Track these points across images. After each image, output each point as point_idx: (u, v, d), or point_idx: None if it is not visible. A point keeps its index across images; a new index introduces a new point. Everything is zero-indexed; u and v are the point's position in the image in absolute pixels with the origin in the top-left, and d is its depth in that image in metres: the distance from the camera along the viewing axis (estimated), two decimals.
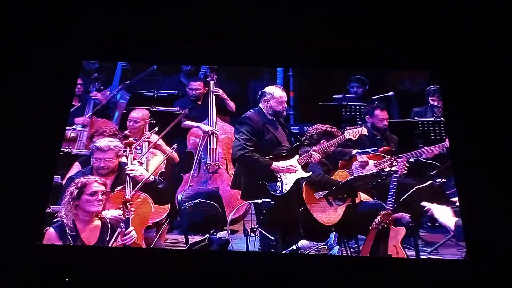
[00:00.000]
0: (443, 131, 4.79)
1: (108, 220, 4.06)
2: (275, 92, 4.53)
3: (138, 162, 4.43)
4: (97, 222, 4.06)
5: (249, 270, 4.02)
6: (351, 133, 4.52)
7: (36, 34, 4.92)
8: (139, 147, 4.58)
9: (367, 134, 4.61)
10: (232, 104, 5.02)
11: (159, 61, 5.21)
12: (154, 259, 4.17)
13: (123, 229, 4.04)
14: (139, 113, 4.88)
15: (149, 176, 4.25)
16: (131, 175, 4.21)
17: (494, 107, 4.56)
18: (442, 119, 4.82)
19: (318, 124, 4.63)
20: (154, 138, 4.67)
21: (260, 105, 4.53)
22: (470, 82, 4.72)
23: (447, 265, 4.16)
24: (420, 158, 4.57)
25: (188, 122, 4.93)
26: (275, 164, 4.32)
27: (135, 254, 4.10)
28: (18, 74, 4.75)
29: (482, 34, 4.84)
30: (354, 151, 4.59)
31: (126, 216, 4.05)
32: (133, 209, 4.09)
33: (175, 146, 4.62)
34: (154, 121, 4.77)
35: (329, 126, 4.59)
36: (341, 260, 4.22)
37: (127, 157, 4.33)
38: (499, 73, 4.70)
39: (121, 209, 4.08)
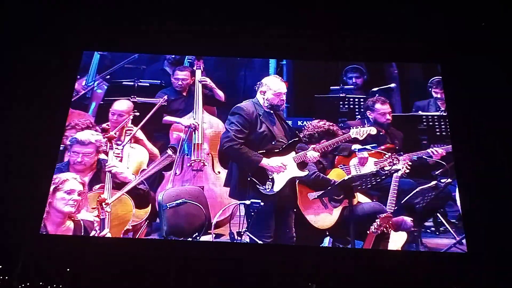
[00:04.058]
0: (448, 126, 4.45)
1: (82, 222, 3.81)
2: (272, 84, 4.13)
3: (116, 156, 4.10)
4: (70, 224, 3.82)
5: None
6: (357, 133, 4.09)
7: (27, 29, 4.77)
8: (120, 142, 4.23)
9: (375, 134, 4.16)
10: (221, 94, 4.65)
11: (144, 49, 4.90)
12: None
13: (98, 231, 3.79)
14: (123, 105, 4.47)
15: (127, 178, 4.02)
16: (112, 171, 3.96)
17: (498, 99, 4.41)
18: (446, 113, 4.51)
19: (317, 121, 4.26)
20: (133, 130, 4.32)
21: (257, 95, 4.15)
22: (474, 75, 4.56)
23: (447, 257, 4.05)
24: (424, 156, 4.21)
25: (168, 118, 4.54)
26: (265, 161, 3.94)
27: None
28: None
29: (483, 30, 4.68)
30: (353, 147, 4.23)
31: (101, 217, 3.78)
32: (108, 210, 3.82)
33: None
34: (138, 113, 4.37)
35: (331, 124, 4.22)
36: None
37: (106, 153, 4.04)
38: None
39: (96, 209, 3.80)
